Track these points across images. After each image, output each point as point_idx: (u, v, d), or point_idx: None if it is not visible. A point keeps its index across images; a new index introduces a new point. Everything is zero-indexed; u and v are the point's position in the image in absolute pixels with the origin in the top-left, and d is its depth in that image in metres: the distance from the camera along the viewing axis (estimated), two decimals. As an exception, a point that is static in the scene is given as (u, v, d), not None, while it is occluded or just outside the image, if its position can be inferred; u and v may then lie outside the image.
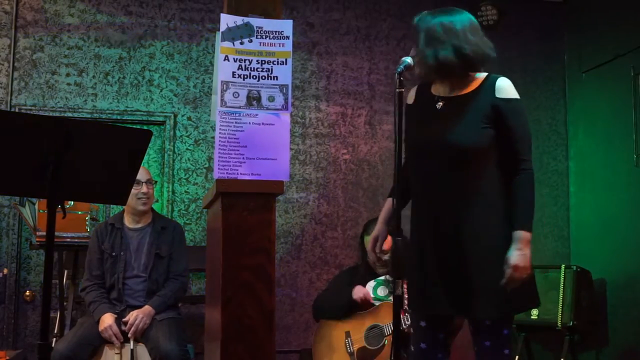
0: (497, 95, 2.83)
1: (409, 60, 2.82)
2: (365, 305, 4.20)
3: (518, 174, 2.79)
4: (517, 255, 2.70)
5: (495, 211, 2.80)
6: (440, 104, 2.95)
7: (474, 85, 2.90)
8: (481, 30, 2.91)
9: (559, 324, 5.39)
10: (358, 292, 4.23)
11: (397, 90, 2.70)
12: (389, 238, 4.23)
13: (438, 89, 2.98)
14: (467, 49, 2.80)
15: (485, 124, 2.81)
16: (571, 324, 5.36)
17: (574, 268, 5.51)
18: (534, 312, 5.52)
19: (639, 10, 5.51)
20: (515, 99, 2.85)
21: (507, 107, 2.81)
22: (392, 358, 2.66)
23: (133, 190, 4.19)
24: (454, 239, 2.80)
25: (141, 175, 4.25)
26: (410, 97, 3.09)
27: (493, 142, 2.81)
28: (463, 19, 2.89)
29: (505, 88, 2.84)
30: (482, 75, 2.91)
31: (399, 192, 2.72)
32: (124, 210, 4.39)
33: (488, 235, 2.78)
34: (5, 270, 5.39)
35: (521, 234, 2.73)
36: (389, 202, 3.08)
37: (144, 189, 4.27)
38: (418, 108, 3.03)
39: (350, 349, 4.14)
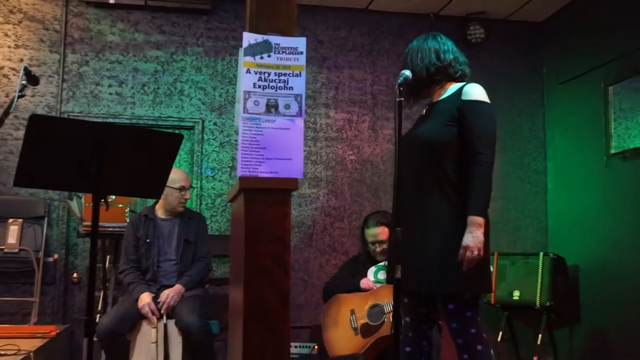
0: (463, 97, 2.87)
1: (407, 73, 2.86)
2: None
3: (474, 166, 2.77)
4: (469, 237, 2.70)
5: (448, 199, 2.82)
6: (425, 110, 3.06)
7: (449, 92, 2.97)
8: (435, 48, 3.01)
9: (537, 304, 5.37)
10: (364, 283, 4.24)
11: (397, 99, 2.72)
12: (386, 229, 4.26)
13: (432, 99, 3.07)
14: (414, 73, 2.92)
15: (449, 123, 2.85)
16: (548, 304, 5.35)
17: (551, 255, 5.50)
18: (516, 294, 5.51)
19: (609, 29, 5.48)
20: (479, 101, 2.85)
21: (469, 107, 2.84)
22: (393, 331, 2.66)
23: (178, 194, 4.21)
24: (415, 223, 2.85)
25: (185, 181, 4.26)
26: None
27: (455, 139, 2.84)
28: (414, 45, 3.07)
29: (471, 91, 2.87)
30: (460, 84, 2.97)
31: (397, 187, 2.70)
32: (156, 202, 4.39)
33: (439, 220, 2.81)
34: (56, 256, 5.41)
35: (472, 219, 2.72)
36: None
37: (188, 195, 4.30)
38: None
39: (354, 325, 4.14)
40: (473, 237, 2.70)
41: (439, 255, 2.78)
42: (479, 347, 2.81)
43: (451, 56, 3.00)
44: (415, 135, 2.94)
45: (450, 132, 2.84)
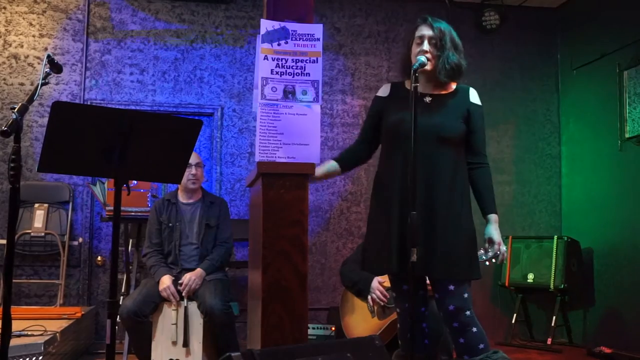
0: (471, 100, 2.98)
1: (423, 59, 2.83)
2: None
3: (482, 166, 2.97)
4: (497, 234, 2.91)
5: (458, 189, 2.88)
6: (429, 99, 2.96)
7: (450, 88, 3.01)
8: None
9: (551, 286, 5.36)
10: (375, 286, 4.11)
11: (413, 84, 2.68)
12: None
13: (420, 87, 2.94)
14: (465, 61, 2.97)
15: (462, 121, 2.93)
16: (562, 287, 5.33)
17: (565, 239, 5.47)
18: (530, 277, 5.49)
19: (623, 14, 5.41)
20: (482, 107, 3.03)
21: (477, 111, 2.98)
22: (397, 316, 2.65)
23: (185, 172, 4.21)
24: (425, 211, 2.82)
25: (192, 159, 4.27)
26: (384, 92, 3.14)
27: (463, 136, 2.94)
28: (455, 36, 3.01)
29: (476, 96, 3.03)
30: (461, 85, 3.05)
31: (413, 172, 2.66)
32: (178, 188, 4.41)
33: (453, 208, 2.85)
34: (81, 239, 5.46)
35: (495, 217, 2.92)
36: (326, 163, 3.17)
37: (193, 170, 4.29)
38: (395, 100, 3.03)
39: (371, 307, 4.13)
40: (499, 233, 2.92)
41: (457, 241, 2.81)
42: (474, 330, 2.81)
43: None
44: (432, 124, 2.87)
45: (463, 128, 2.93)
